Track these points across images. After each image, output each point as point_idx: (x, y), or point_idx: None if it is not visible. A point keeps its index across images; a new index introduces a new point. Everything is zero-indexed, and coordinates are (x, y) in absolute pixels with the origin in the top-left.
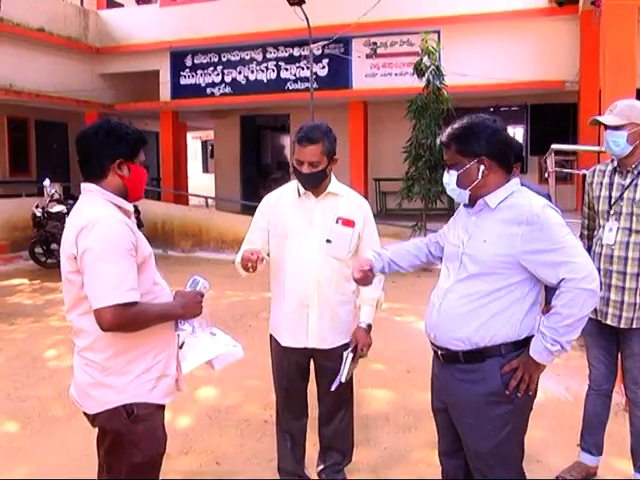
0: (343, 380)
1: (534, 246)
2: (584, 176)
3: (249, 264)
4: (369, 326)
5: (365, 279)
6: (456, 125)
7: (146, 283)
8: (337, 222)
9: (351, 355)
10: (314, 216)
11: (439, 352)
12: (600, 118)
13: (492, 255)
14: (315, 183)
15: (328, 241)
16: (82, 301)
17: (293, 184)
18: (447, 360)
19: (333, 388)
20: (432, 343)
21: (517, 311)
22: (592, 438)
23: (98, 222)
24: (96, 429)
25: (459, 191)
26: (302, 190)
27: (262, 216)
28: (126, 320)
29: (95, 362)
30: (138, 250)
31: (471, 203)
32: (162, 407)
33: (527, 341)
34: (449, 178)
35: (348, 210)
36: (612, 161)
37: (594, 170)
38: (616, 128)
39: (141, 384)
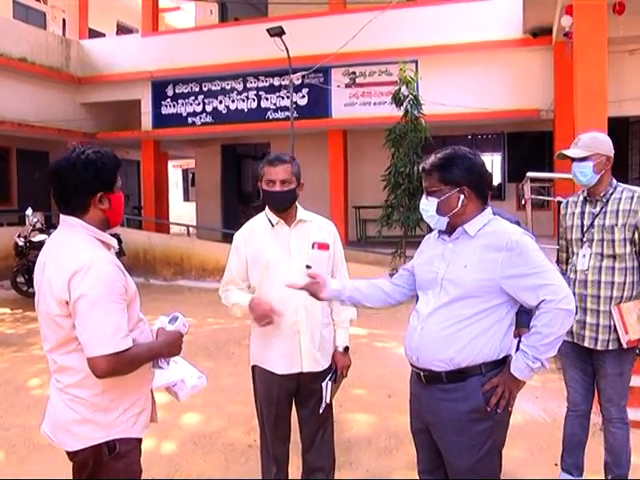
0: (328, 401)
1: (514, 271)
2: (559, 203)
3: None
4: (346, 348)
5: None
6: (439, 154)
7: (133, 320)
8: (313, 247)
9: (330, 381)
10: (290, 245)
11: (422, 374)
12: (566, 152)
13: (473, 280)
14: (287, 203)
15: (308, 267)
16: (72, 341)
17: (262, 216)
18: (429, 381)
19: (321, 411)
20: (413, 365)
21: (497, 332)
22: (571, 459)
23: (92, 266)
24: None
25: (438, 218)
26: (274, 220)
27: (238, 253)
28: (120, 366)
29: (82, 398)
30: (128, 291)
31: (448, 230)
32: (140, 441)
33: (505, 360)
34: (428, 205)
35: (320, 234)
36: (583, 192)
37: (567, 202)
38: (582, 160)
39: (126, 420)
